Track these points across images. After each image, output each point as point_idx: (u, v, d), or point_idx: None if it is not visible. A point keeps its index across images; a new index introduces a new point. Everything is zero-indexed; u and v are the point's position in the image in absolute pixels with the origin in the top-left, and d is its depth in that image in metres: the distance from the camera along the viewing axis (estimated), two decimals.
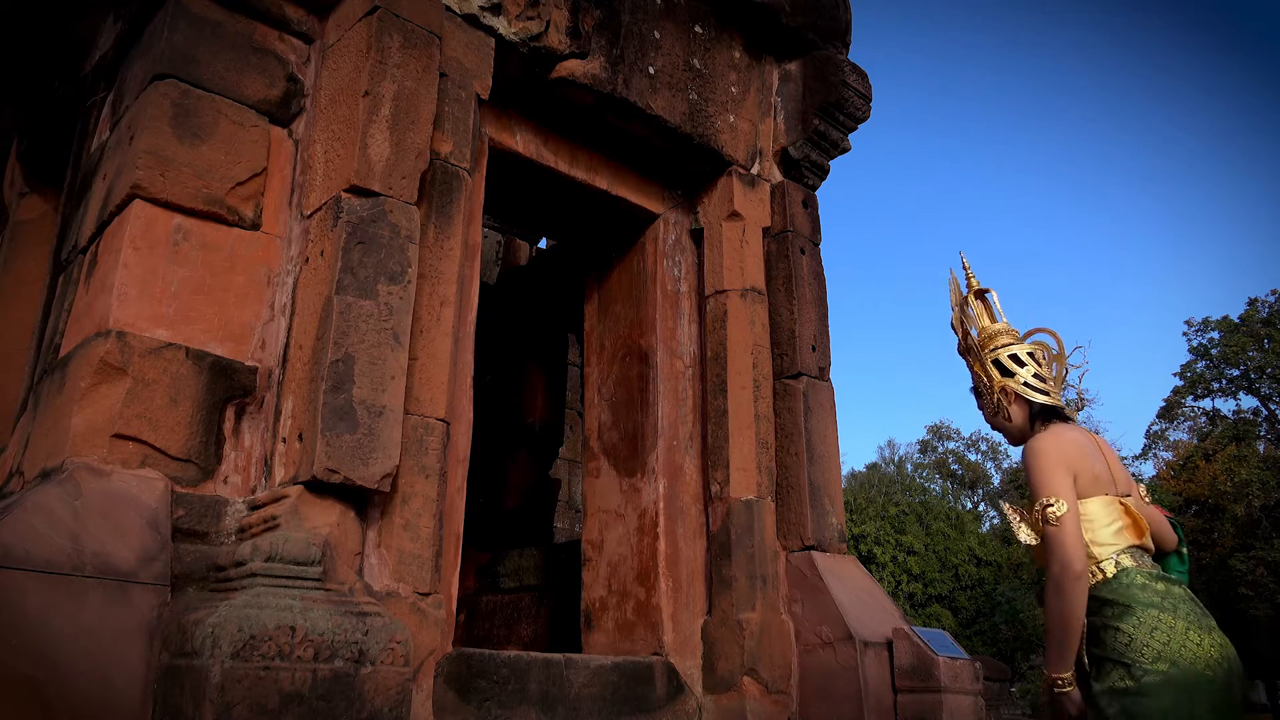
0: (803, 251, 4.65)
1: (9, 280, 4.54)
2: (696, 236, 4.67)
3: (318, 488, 2.75)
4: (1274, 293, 24.21)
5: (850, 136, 4.90)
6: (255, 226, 3.23)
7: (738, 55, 4.68)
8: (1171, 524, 2.54)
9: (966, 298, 2.76)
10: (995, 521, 31.47)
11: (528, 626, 5.57)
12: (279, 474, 2.90)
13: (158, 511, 2.71)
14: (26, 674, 2.26)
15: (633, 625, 4.16)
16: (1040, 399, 2.52)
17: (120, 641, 2.46)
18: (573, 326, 6.57)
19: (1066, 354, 2.66)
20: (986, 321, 2.73)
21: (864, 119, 4.84)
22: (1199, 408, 25.64)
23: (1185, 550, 2.56)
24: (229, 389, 3.04)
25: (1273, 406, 24.04)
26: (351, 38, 3.28)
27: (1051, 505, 2.22)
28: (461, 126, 3.46)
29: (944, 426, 36.07)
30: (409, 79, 3.20)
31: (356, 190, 3.03)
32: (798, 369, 4.41)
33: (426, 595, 2.99)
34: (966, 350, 2.75)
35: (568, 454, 8.23)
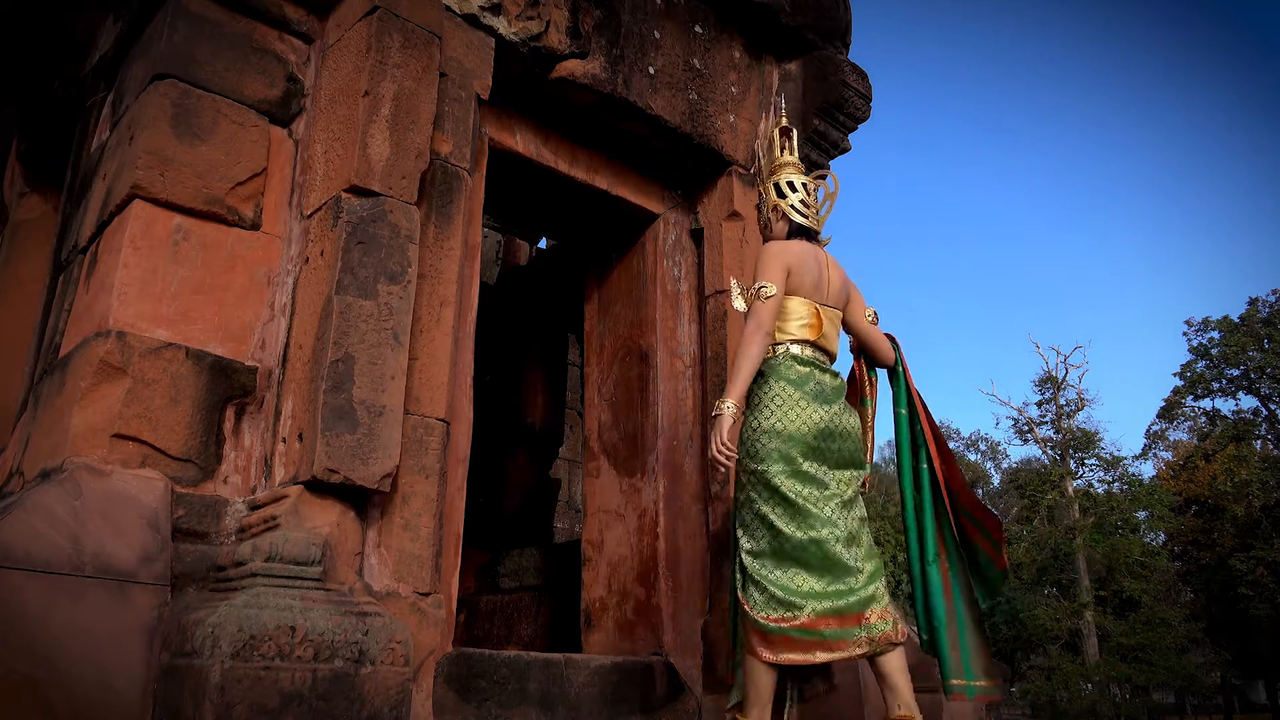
0: None
1: (9, 280, 4.54)
2: (696, 236, 4.67)
3: (318, 488, 2.75)
4: (1274, 292, 24.22)
5: (850, 136, 4.89)
6: (255, 226, 3.23)
7: (738, 55, 4.67)
8: (892, 343, 3.41)
9: (775, 133, 3.45)
10: None
11: (528, 626, 5.57)
12: (279, 474, 2.90)
13: (158, 511, 2.71)
14: (26, 674, 2.26)
15: (633, 625, 4.16)
16: (799, 220, 3.23)
17: (120, 642, 2.46)
18: (573, 326, 6.56)
19: (837, 193, 3.41)
20: (778, 153, 3.42)
21: (864, 119, 4.83)
22: (1199, 408, 25.64)
23: (900, 361, 3.39)
24: (229, 389, 3.03)
25: (1273, 406, 24.03)
26: (351, 38, 3.27)
27: (765, 287, 2.99)
28: (461, 126, 3.45)
29: (943, 427, 36.05)
30: (409, 79, 3.20)
31: (356, 190, 3.03)
32: None
33: (426, 595, 2.99)
34: (757, 172, 3.49)
35: (568, 454, 8.23)
